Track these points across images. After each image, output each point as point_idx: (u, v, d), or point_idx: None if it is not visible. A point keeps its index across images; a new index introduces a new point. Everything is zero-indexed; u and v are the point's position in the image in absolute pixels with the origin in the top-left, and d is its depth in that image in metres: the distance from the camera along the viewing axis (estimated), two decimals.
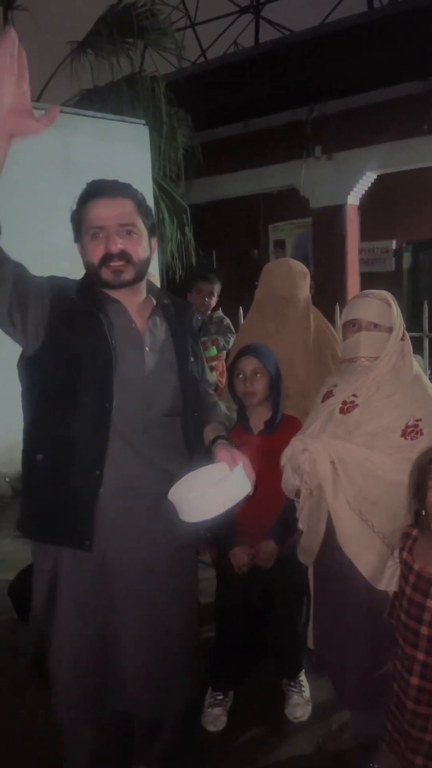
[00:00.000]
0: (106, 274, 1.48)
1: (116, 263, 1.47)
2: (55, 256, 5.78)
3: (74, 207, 1.52)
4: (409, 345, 1.82)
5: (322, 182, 6.96)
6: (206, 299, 3.69)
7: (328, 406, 1.81)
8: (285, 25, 10.32)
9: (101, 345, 1.46)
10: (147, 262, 1.54)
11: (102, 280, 1.49)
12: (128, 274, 1.49)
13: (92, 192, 1.50)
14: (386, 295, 1.82)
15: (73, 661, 1.55)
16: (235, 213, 8.52)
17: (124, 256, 1.47)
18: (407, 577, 1.54)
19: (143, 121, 5.78)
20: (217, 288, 3.73)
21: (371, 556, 1.69)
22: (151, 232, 1.56)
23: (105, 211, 1.47)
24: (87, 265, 1.52)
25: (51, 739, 1.96)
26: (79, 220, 1.51)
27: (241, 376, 2.09)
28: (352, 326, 1.80)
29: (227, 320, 3.78)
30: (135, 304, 1.56)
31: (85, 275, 1.56)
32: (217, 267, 8.64)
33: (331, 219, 7.02)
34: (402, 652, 1.53)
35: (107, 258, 1.47)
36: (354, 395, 1.77)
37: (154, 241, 1.59)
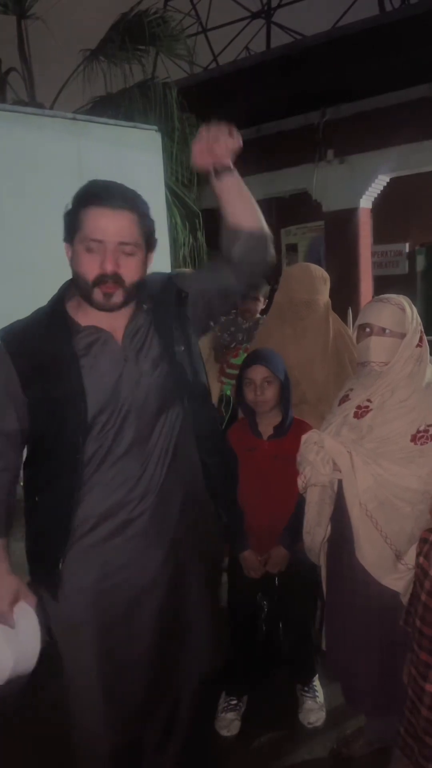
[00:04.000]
0: (97, 295, 1.40)
1: (107, 286, 1.38)
2: (67, 263, 5.79)
3: (70, 205, 1.42)
4: (426, 351, 1.79)
5: (334, 186, 6.96)
6: (250, 305, 3.56)
7: (344, 410, 1.81)
8: (296, 29, 10.37)
9: (71, 390, 1.41)
10: (140, 284, 1.46)
11: (93, 301, 1.41)
12: (118, 298, 1.41)
13: (95, 196, 1.39)
14: (402, 300, 1.80)
15: (99, 686, 1.54)
16: None
17: (116, 279, 1.39)
18: (423, 583, 1.53)
19: (155, 127, 5.82)
20: (263, 291, 3.58)
21: (371, 551, 1.69)
22: (150, 247, 1.48)
23: (107, 224, 1.37)
24: (77, 277, 1.43)
25: (64, 741, 1.99)
26: (74, 223, 1.40)
27: (251, 385, 2.09)
28: (364, 330, 1.80)
29: None
30: (118, 316, 1.47)
31: (53, 303, 1.50)
32: None
33: (343, 222, 7.01)
34: (417, 659, 1.52)
35: (101, 279, 1.38)
36: (369, 400, 1.77)
37: (151, 257, 1.50)
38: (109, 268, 1.37)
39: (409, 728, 1.56)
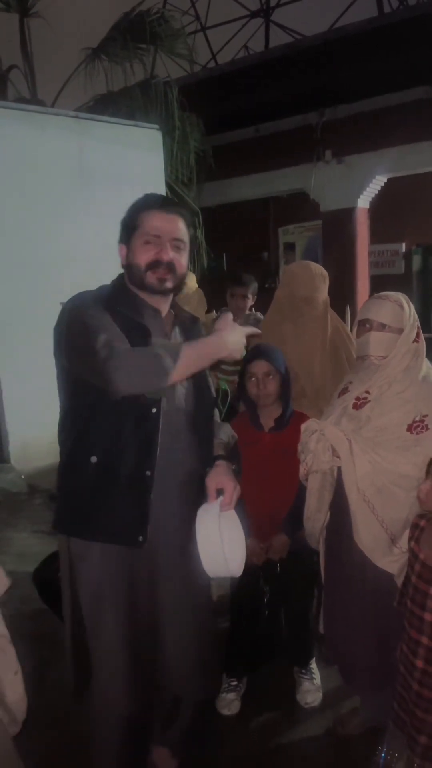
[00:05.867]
0: (151, 278, 1.58)
1: (162, 271, 1.57)
2: (70, 257, 5.86)
3: (128, 212, 1.62)
4: (423, 346, 1.88)
5: (332, 186, 7.04)
6: (239, 302, 3.71)
7: (343, 402, 1.90)
8: (294, 28, 10.44)
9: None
10: (185, 275, 1.66)
11: (146, 283, 1.59)
12: (170, 283, 1.60)
13: (152, 202, 1.61)
14: (400, 297, 1.89)
15: (122, 649, 1.63)
16: (246, 216, 8.61)
17: (170, 266, 1.58)
18: (413, 566, 1.62)
19: (156, 126, 5.88)
20: (251, 289, 3.73)
21: (368, 535, 1.79)
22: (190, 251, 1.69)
23: (163, 223, 1.58)
24: (131, 267, 1.60)
25: (72, 723, 2.07)
26: (132, 224, 1.60)
27: (253, 379, 2.17)
28: (364, 326, 1.88)
29: None
30: (165, 313, 1.67)
31: (116, 283, 1.65)
32: (227, 269, 8.74)
33: (341, 222, 7.10)
34: (408, 637, 1.61)
35: (155, 264, 1.56)
36: (367, 392, 1.86)
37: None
38: (165, 256, 1.57)
39: (402, 702, 1.65)
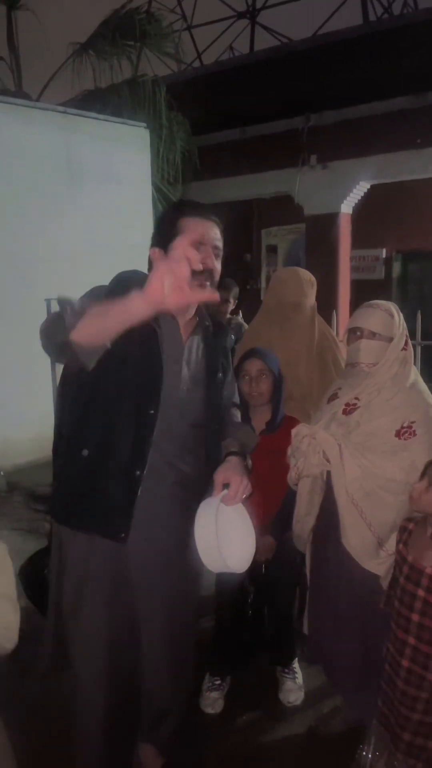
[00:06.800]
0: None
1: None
2: (56, 253, 5.81)
3: (165, 216, 1.61)
4: (410, 354, 1.93)
5: (316, 190, 7.11)
6: (220, 306, 3.73)
7: (333, 407, 1.94)
8: (280, 31, 10.52)
9: (153, 356, 1.55)
10: (216, 285, 1.64)
11: None
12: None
13: (191, 208, 1.59)
14: (390, 306, 1.93)
15: (100, 642, 1.65)
16: (230, 217, 8.63)
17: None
18: (401, 568, 1.67)
19: (144, 124, 5.88)
20: (233, 293, 3.77)
21: (355, 537, 1.83)
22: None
23: (207, 230, 1.57)
24: None
25: (58, 721, 2.06)
26: (173, 230, 1.53)
27: (246, 377, 2.20)
28: (354, 334, 1.92)
29: (246, 326, 3.86)
30: (185, 319, 1.66)
31: (131, 282, 1.63)
32: None
33: (324, 226, 7.18)
34: (395, 637, 1.66)
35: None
36: (356, 398, 1.90)
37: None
38: (210, 263, 1.56)
39: (386, 700, 1.70)
